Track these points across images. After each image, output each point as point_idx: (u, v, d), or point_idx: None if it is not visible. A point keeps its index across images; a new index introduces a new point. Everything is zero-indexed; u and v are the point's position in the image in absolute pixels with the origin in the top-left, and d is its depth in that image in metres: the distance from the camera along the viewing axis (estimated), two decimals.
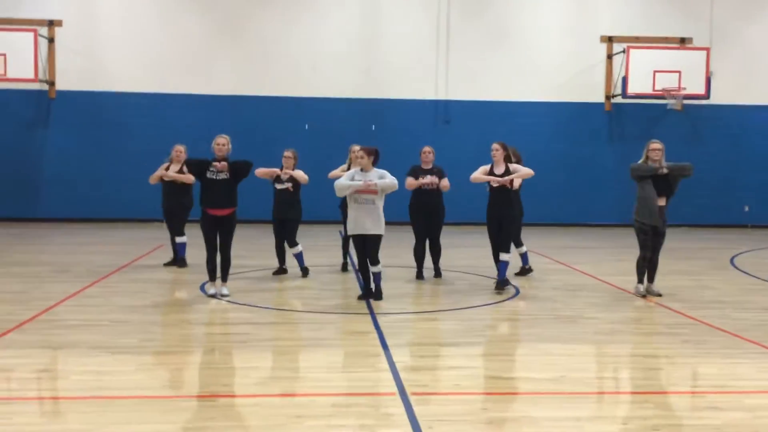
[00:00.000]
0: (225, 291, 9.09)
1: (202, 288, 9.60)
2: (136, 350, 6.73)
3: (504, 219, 9.57)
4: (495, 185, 9.48)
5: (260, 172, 10.41)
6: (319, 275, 10.89)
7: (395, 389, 5.66)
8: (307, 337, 7.36)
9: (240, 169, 8.94)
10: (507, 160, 9.60)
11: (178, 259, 11.33)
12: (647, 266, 9.45)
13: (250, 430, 4.85)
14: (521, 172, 9.52)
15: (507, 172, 9.50)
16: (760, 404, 5.49)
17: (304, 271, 10.65)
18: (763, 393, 5.78)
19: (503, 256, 9.58)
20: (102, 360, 6.35)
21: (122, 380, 5.84)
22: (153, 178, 11.37)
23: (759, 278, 11.24)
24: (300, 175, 10.50)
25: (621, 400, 5.71)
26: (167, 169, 11.28)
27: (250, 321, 7.96)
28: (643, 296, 9.42)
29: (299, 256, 10.70)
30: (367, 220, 8.87)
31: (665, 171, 9.15)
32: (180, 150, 11.39)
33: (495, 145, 9.63)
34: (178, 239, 11.37)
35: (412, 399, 5.42)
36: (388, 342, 7.07)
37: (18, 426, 4.88)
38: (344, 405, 5.39)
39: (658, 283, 9.66)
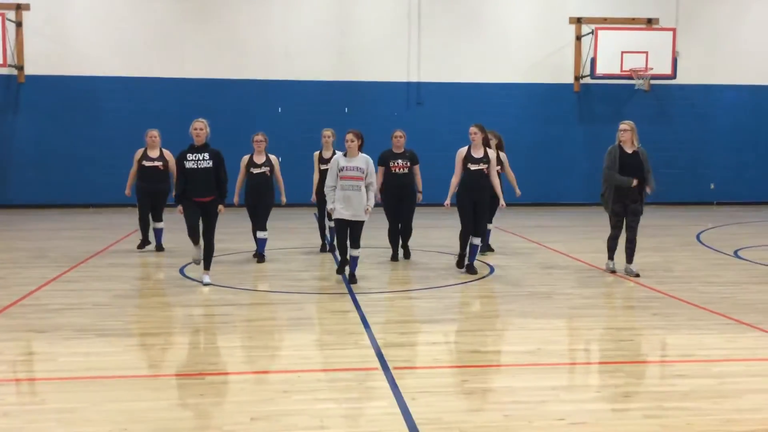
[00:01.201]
0: (207, 279, 8.85)
1: (181, 271, 9.70)
2: (121, 332, 6.85)
3: (479, 203, 9.56)
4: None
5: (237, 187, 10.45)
6: (297, 257, 11.04)
7: (378, 364, 5.84)
8: (289, 317, 7.51)
9: (220, 166, 8.77)
10: (485, 143, 9.61)
11: (156, 245, 11.31)
12: (626, 246, 9.50)
13: (240, 405, 5.01)
14: (495, 177, 9.68)
15: (486, 156, 9.50)
16: (725, 371, 5.76)
17: (261, 258, 10.47)
18: (728, 361, 6.05)
19: (475, 240, 9.67)
20: (89, 342, 6.46)
21: (111, 361, 5.96)
22: (131, 178, 11.25)
23: (724, 253, 11.60)
24: (280, 184, 10.63)
25: (594, 370, 5.96)
26: (142, 154, 11.19)
27: (231, 302, 8.09)
28: (613, 272, 9.66)
29: (264, 242, 10.60)
30: (353, 205, 8.80)
31: (634, 185, 9.28)
32: (154, 135, 11.25)
33: (473, 128, 9.51)
34: (157, 225, 11.31)
35: (395, 373, 5.62)
36: (369, 320, 7.25)
37: (10, 406, 4.99)
38: (330, 380, 5.58)
39: (635, 262, 9.63)
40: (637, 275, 9.42)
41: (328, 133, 11.07)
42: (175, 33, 18.20)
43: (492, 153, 9.70)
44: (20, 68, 17.70)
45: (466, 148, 9.62)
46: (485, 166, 9.48)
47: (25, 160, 17.94)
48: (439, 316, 7.51)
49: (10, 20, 17.20)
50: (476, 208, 9.56)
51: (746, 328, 7.05)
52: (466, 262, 9.79)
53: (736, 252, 11.66)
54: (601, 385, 5.52)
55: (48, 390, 5.41)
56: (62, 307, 7.75)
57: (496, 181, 9.72)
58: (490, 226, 11.20)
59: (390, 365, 5.81)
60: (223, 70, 18.34)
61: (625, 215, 9.46)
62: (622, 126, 9.45)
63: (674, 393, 5.24)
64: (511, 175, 11.08)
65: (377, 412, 4.86)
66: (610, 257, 9.80)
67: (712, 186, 19.90)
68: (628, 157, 9.30)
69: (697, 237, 13.49)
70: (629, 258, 9.57)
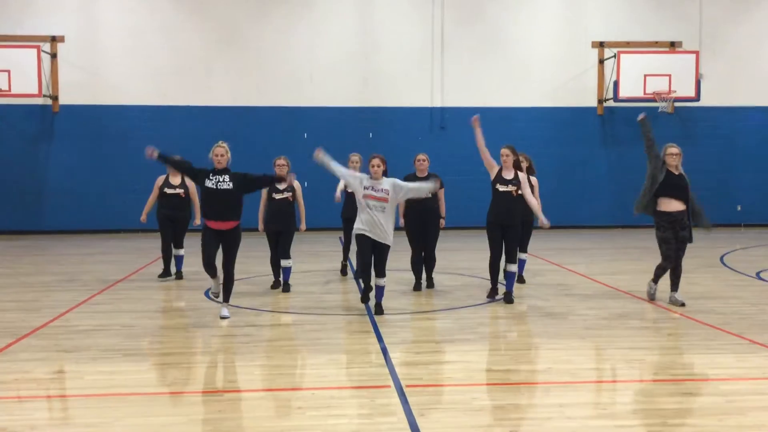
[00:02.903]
0: (225, 313, 8.49)
1: (206, 293, 9.95)
2: (146, 352, 7.12)
3: (509, 227, 9.21)
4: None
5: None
6: (319, 280, 11.25)
7: (391, 383, 6.01)
8: (307, 337, 7.70)
9: (252, 183, 8.50)
10: (516, 165, 9.38)
11: (176, 272, 11.25)
12: (671, 274, 9.14)
13: (255, 420, 5.21)
14: (530, 195, 9.29)
15: (516, 178, 9.22)
16: (734, 390, 5.84)
17: (287, 287, 10.25)
18: (738, 380, 6.13)
19: (510, 267, 9.32)
20: (114, 361, 6.71)
21: (134, 379, 6.21)
22: (149, 205, 11.29)
23: (746, 275, 11.59)
24: (302, 210, 10.39)
25: (603, 389, 6.08)
26: (164, 182, 11.19)
27: (252, 323, 8.32)
28: (652, 298, 9.29)
29: (289, 270, 10.33)
30: (377, 227, 8.49)
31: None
32: None
33: (505, 150, 9.24)
34: (178, 252, 11.26)
35: (407, 391, 5.78)
36: (386, 340, 7.42)
37: (37, 421, 5.24)
38: (343, 397, 5.76)
39: (660, 285, 9.44)
40: (683, 304, 8.97)
41: (355, 158, 10.94)
42: (204, 62, 18.70)
43: (523, 176, 9.48)
44: (55, 98, 18.28)
45: (498, 167, 9.31)
46: (514, 188, 9.15)
47: (59, 187, 18.45)
48: (455, 337, 7.65)
49: (45, 52, 17.78)
50: (506, 234, 9.24)
51: (760, 348, 7.10)
52: (504, 290, 9.42)
53: (758, 274, 11.65)
54: (609, 402, 5.64)
55: (74, 406, 5.67)
56: (90, 329, 8.03)
57: (532, 201, 9.39)
58: (524, 256, 10.70)
59: (402, 383, 5.97)
60: (250, 97, 18.76)
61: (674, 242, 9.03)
62: (672, 150, 9.02)
63: (680, 410, 5.35)
64: (538, 200, 10.46)
65: (386, 428, 5.03)
66: (655, 280, 9.30)
67: (739, 208, 19.80)
68: (676, 178, 9.01)
69: (721, 259, 13.46)
70: (674, 286, 9.15)
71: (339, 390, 5.94)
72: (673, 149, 9.05)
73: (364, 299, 8.88)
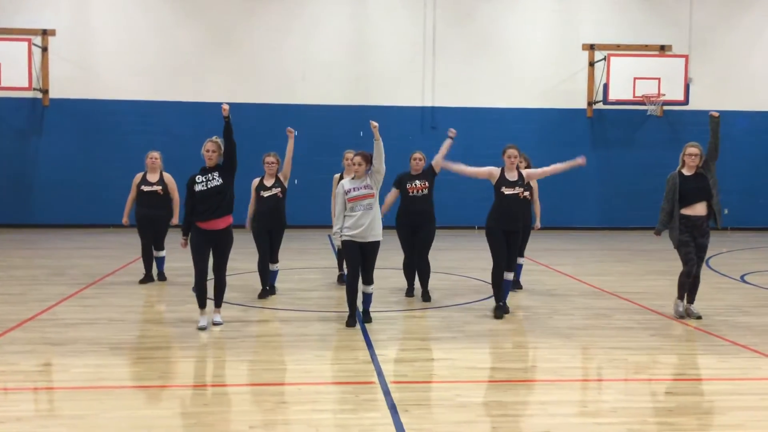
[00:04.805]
0: (218, 319, 8.08)
1: (194, 289, 9.94)
2: (132, 346, 7.14)
3: (514, 233, 8.61)
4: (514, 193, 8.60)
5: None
6: (307, 277, 11.29)
7: (375, 379, 6.07)
8: (294, 333, 7.74)
9: (230, 159, 8.14)
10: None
11: (158, 274, 10.83)
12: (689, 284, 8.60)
13: (240, 414, 5.25)
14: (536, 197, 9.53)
15: (521, 178, 8.61)
16: (713, 389, 5.93)
17: (273, 290, 9.87)
18: (718, 380, 6.22)
19: (507, 275, 8.72)
20: (101, 354, 6.74)
21: (120, 372, 6.25)
22: (128, 205, 10.88)
23: (730, 278, 11.70)
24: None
25: (585, 387, 6.15)
26: (141, 179, 10.77)
27: (240, 319, 8.35)
28: (682, 317, 8.56)
29: (276, 274, 9.95)
30: (365, 227, 8.03)
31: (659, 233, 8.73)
32: (155, 157, 10.73)
33: (513, 151, 8.63)
34: (158, 254, 10.76)
35: (392, 387, 5.84)
36: (372, 337, 7.48)
37: (23, 413, 5.28)
38: (328, 393, 5.81)
39: (641, 285, 9.50)
40: (699, 317, 8.49)
41: (350, 155, 10.23)
42: (197, 58, 18.68)
43: (527, 172, 9.05)
44: (45, 92, 18.23)
45: (498, 169, 8.72)
46: (521, 190, 8.57)
47: (49, 181, 18.40)
48: (440, 334, 7.72)
49: (36, 45, 17.72)
50: (508, 240, 8.60)
51: (741, 349, 7.19)
52: (503, 300, 8.74)
53: (742, 277, 11.76)
54: (590, 400, 5.71)
55: (60, 398, 5.69)
56: (77, 322, 8.04)
57: (538, 202, 9.71)
58: (522, 260, 10.26)
59: (387, 379, 6.03)
60: (242, 95, 18.73)
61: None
62: (692, 150, 8.51)
63: (660, 409, 5.42)
64: (537, 204, 10.36)
65: (370, 423, 5.09)
66: (681, 296, 8.63)
67: (726, 211, 19.87)
68: (691, 181, 8.47)
69: (707, 262, 13.56)
70: (691, 298, 8.68)
71: (324, 385, 5.99)
72: (693, 149, 8.53)
73: (350, 323, 8.06)
